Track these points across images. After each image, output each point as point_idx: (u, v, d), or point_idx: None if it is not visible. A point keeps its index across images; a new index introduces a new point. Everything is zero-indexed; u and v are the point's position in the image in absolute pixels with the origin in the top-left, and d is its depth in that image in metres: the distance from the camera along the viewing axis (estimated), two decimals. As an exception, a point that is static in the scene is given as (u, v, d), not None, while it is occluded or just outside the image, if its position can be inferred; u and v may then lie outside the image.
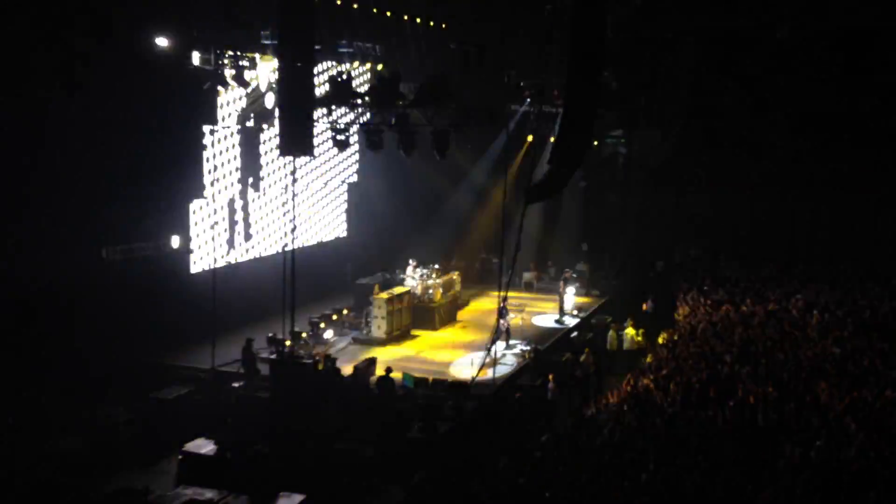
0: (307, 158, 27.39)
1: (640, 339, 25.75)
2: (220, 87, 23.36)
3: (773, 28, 34.14)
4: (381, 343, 25.47)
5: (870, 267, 32.22)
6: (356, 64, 27.41)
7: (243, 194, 26.44)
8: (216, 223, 24.92)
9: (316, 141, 22.49)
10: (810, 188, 36.11)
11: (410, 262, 29.12)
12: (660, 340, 24.38)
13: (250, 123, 26.06)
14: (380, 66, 27.51)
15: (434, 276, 28.80)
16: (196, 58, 22.06)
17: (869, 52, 34.28)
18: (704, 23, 33.12)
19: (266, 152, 27.07)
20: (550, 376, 21.72)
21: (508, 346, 25.12)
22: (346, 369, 21.58)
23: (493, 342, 23.01)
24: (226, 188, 25.66)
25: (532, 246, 33.68)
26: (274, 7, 20.15)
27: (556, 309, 29.77)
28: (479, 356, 23.12)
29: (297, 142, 19.74)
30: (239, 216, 26.36)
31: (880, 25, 32.15)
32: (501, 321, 24.34)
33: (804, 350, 21.90)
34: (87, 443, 18.03)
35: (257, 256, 27.15)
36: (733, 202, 36.86)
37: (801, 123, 35.77)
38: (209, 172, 24.82)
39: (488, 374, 22.20)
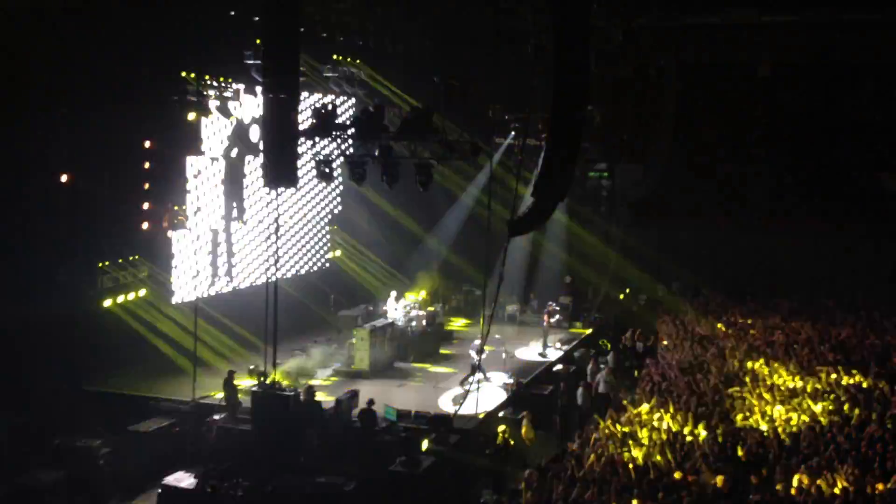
0: (291, 189, 27.40)
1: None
2: (204, 118, 23.38)
3: (755, 64, 34.48)
4: (364, 375, 25.35)
5: (851, 300, 32.39)
6: (341, 95, 27.45)
7: (226, 225, 26.39)
8: (198, 252, 24.88)
9: (300, 172, 22.54)
10: (793, 222, 36.33)
11: (393, 293, 29.08)
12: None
13: (234, 154, 26.06)
14: (362, 92, 27.47)
15: (417, 307, 28.74)
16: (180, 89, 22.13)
17: (850, 88, 34.69)
18: (687, 58, 33.40)
19: (250, 183, 27.05)
20: (524, 413, 21.55)
21: (487, 379, 25.03)
22: (328, 401, 21.47)
23: (469, 376, 22.94)
24: (209, 219, 25.61)
25: (515, 278, 33.67)
26: (259, 37, 20.25)
27: (540, 342, 29.73)
28: (462, 389, 23.04)
29: (280, 173, 19.70)
30: (222, 247, 26.30)
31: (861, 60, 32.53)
32: (474, 356, 24.21)
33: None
34: (67, 475, 17.84)
35: (239, 288, 27.05)
36: (716, 236, 37.00)
37: (784, 158, 36.10)
38: (192, 203, 24.77)
39: (471, 407, 22.10)
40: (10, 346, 19.07)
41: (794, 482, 15.48)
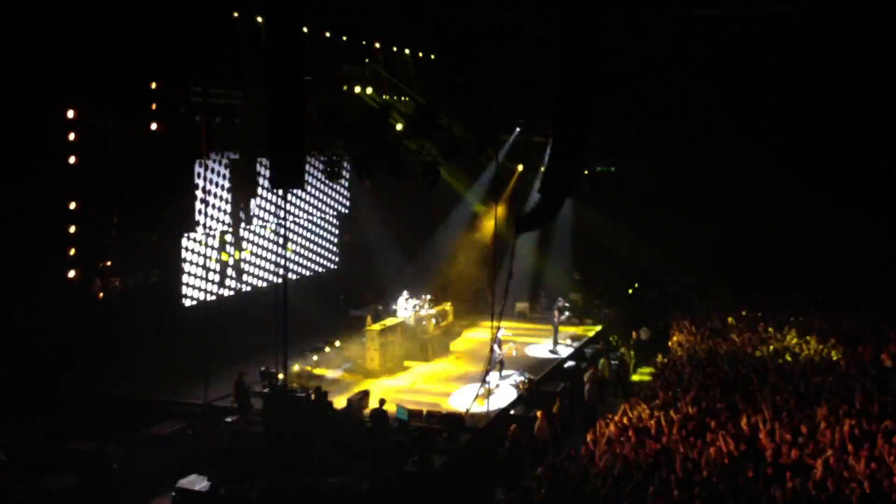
0: (299, 190, 27.40)
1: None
2: (210, 119, 23.34)
3: (761, 55, 34.37)
4: (375, 375, 25.34)
5: (862, 292, 32.30)
6: (347, 95, 27.34)
7: (235, 227, 26.37)
8: (208, 256, 24.86)
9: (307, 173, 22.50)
10: (800, 216, 36.25)
11: (403, 293, 29.05)
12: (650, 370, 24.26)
13: (241, 156, 26.01)
14: (369, 90, 27.35)
15: (427, 306, 28.71)
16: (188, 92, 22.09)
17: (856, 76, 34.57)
18: (693, 50, 33.30)
19: (258, 185, 27.01)
20: (539, 413, 21.44)
21: (503, 377, 25.00)
22: (340, 402, 21.44)
23: (488, 373, 22.88)
24: (218, 221, 25.61)
25: (524, 275, 33.59)
26: (263, 39, 20.19)
27: (550, 339, 29.66)
28: (474, 387, 22.99)
29: (288, 174, 19.65)
30: (231, 249, 26.28)
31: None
32: (496, 351, 24.21)
33: (799, 378, 21.92)
34: (82, 480, 17.83)
35: (249, 289, 27.03)
36: (724, 230, 36.91)
37: (792, 151, 35.99)
38: (201, 205, 24.76)
39: (483, 405, 22.07)
40: (20, 351, 19.12)
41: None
